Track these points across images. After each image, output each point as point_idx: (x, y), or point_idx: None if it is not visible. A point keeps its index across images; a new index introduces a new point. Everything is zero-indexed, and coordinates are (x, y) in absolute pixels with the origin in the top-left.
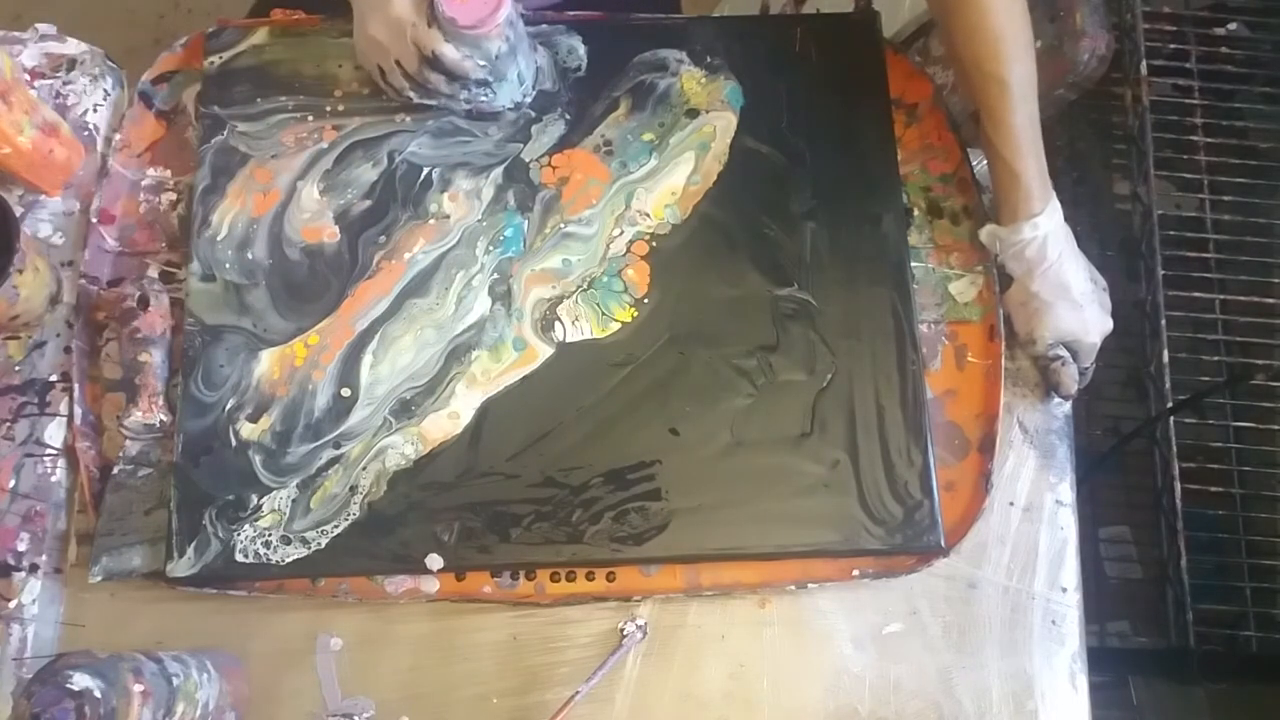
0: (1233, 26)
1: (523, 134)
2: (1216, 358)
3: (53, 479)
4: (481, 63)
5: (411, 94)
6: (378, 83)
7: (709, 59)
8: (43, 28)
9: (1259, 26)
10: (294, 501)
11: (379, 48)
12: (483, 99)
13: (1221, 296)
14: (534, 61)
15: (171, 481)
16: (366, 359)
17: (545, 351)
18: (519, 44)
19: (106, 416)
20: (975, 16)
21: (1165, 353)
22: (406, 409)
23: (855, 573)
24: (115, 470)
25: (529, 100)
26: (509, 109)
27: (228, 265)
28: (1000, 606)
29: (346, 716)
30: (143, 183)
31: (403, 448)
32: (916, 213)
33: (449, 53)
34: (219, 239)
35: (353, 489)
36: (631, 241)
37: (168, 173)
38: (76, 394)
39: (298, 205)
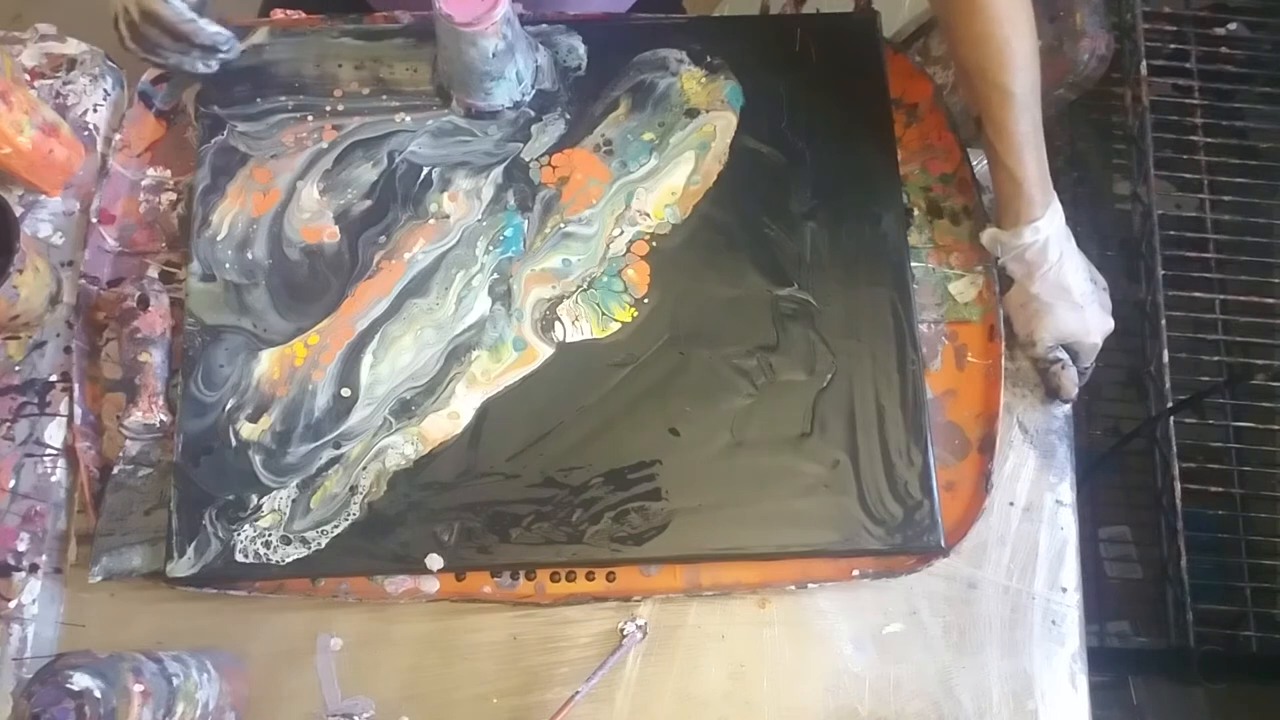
0: (1233, 26)
1: (522, 133)
2: (1216, 358)
3: (53, 479)
4: (212, 29)
5: (133, 46)
6: (113, 30)
7: (709, 59)
8: (43, 28)
9: (1259, 26)
10: (294, 501)
11: None
12: (221, 51)
13: (1221, 296)
14: (533, 60)
15: (171, 481)
16: (366, 359)
17: (545, 351)
18: (516, 42)
19: (106, 416)
20: (980, 25)
21: (1165, 353)
22: (406, 409)
23: (855, 573)
24: (115, 470)
25: (528, 99)
26: (508, 108)
27: (228, 265)
28: (1000, 606)
29: (346, 716)
30: (143, 183)
31: (403, 448)
32: (916, 213)
33: (165, 13)
34: (219, 239)
35: (353, 489)
36: (631, 241)
37: (168, 173)
38: (76, 394)
39: (297, 205)
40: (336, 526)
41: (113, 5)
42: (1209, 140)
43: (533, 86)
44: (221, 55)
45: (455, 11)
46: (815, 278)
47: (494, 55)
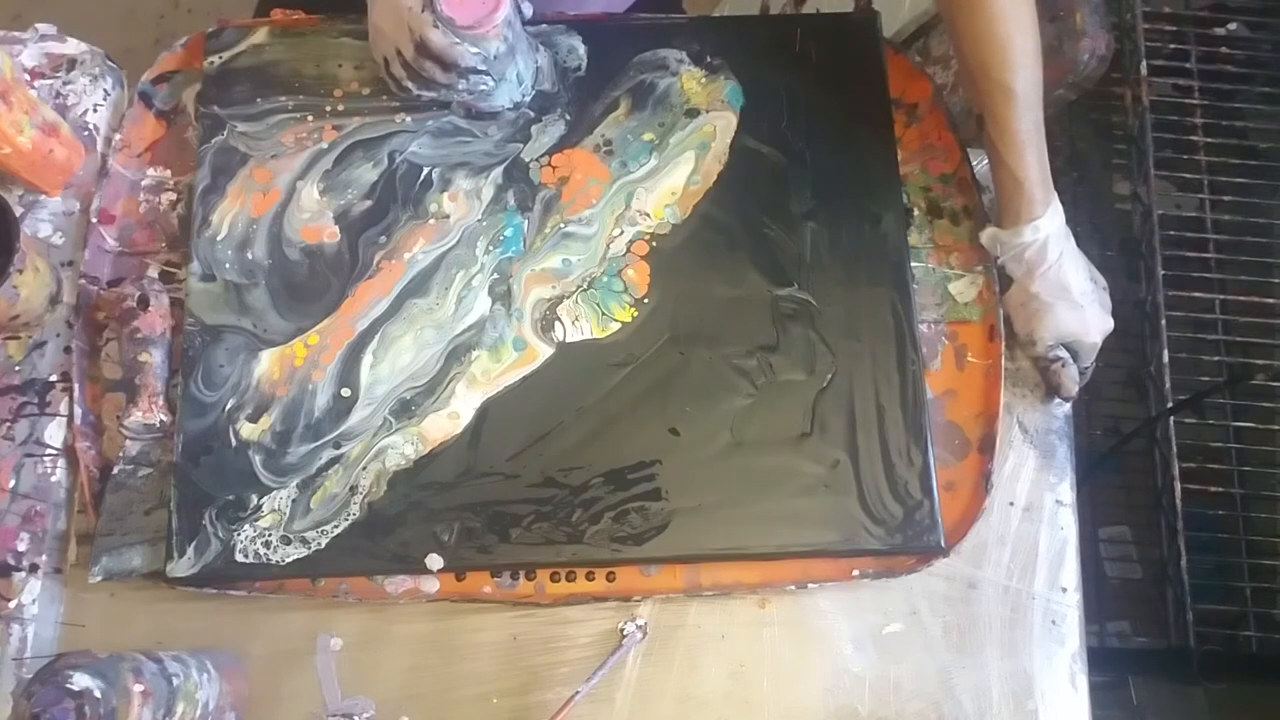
0: (1233, 26)
1: (523, 134)
2: (1216, 358)
3: (53, 479)
4: (474, 50)
5: (410, 85)
6: (383, 76)
7: (709, 59)
8: (43, 28)
9: (1259, 26)
10: (294, 501)
11: (382, 36)
12: (482, 87)
13: (1221, 296)
14: (533, 61)
15: (171, 481)
16: (366, 359)
17: (545, 351)
18: (517, 44)
19: (106, 416)
20: (984, 23)
21: (1165, 353)
22: (406, 409)
23: (855, 573)
24: (115, 470)
25: (528, 100)
26: (508, 109)
27: (228, 265)
28: (1000, 606)
29: (346, 716)
30: (143, 183)
31: (403, 448)
32: (916, 213)
33: (436, 38)
34: (219, 239)
35: (353, 489)
36: (631, 241)
37: (168, 173)
38: (76, 394)
39: (297, 205)
40: (336, 526)
41: (380, 50)
42: (1209, 140)
43: (533, 87)
44: (482, 80)
45: (457, 14)
46: (815, 278)
47: (495, 57)
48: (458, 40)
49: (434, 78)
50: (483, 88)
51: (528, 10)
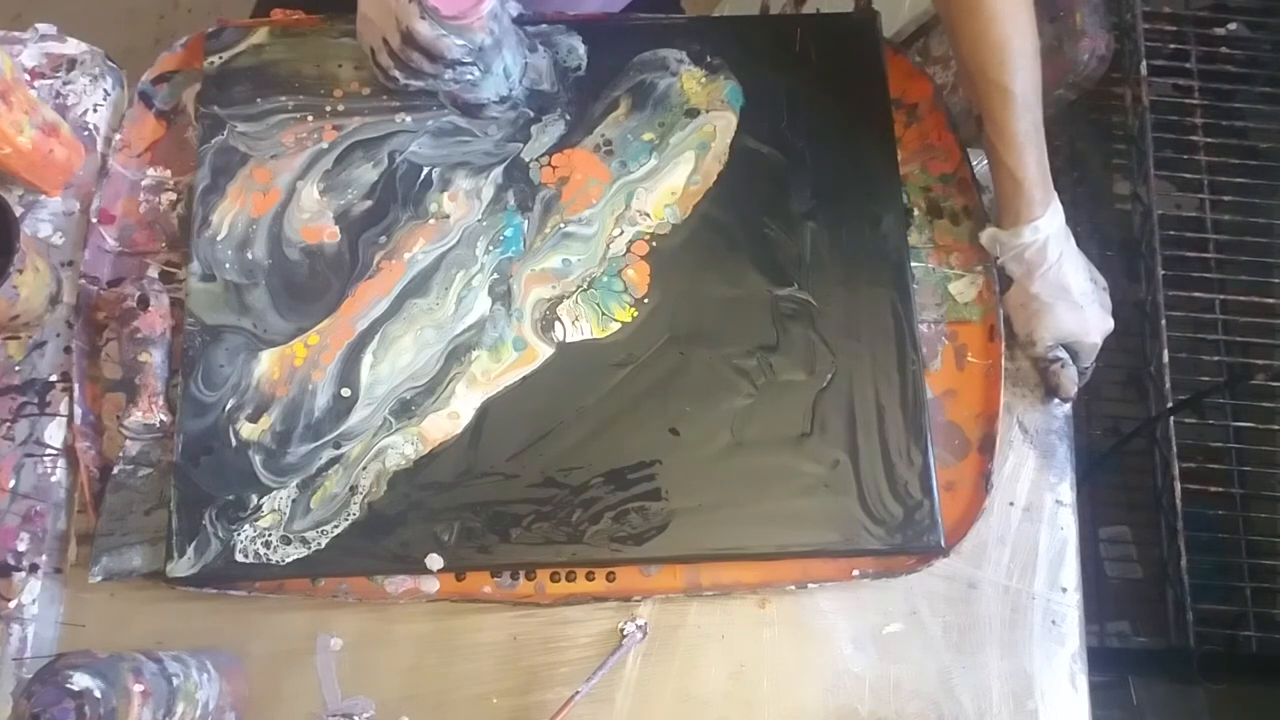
0: (1233, 26)
1: (522, 134)
2: (1216, 358)
3: (53, 479)
4: (459, 41)
5: (397, 74)
6: (370, 65)
7: (709, 59)
8: (43, 28)
9: (1259, 26)
10: (294, 501)
11: (370, 25)
12: (468, 77)
13: (1221, 296)
14: (522, 57)
15: (171, 481)
16: (366, 359)
17: (545, 351)
18: (505, 38)
19: (106, 416)
20: (981, 24)
21: (1165, 353)
22: (406, 409)
23: (855, 573)
24: (115, 470)
25: (515, 94)
26: (494, 101)
27: (228, 265)
28: (1000, 606)
29: (346, 716)
30: (143, 183)
31: (403, 448)
32: (916, 213)
33: (423, 29)
34: (219, 239)
35: (353, 489)
36: (631, 241)
37: (168, 173)
38: (76, 394)
39: (297, 205)
40: (336, 526)
41: (367, 40)
42: (1209, 140)
43: (521, 82)
44: (468, 70)
45: (441, 4)
46: (815, 278)
47: (480, 49)
48: (444, 32)
49: (420, 68)
50: (469, 78)
51: (514, 8)
